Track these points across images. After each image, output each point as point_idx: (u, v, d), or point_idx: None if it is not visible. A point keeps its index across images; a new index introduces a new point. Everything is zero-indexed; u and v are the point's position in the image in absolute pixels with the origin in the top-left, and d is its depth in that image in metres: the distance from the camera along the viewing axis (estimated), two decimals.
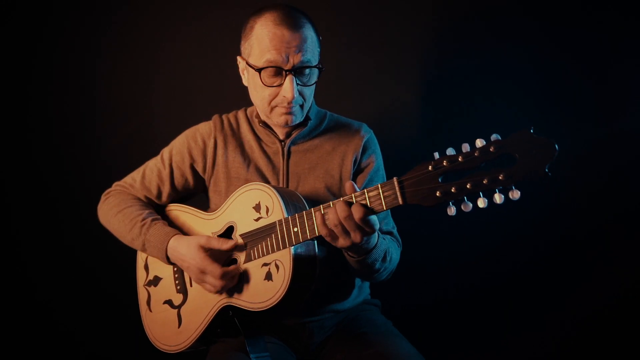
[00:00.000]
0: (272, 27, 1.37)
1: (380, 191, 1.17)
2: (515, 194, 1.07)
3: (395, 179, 1.16)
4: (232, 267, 1.40)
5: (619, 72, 1.94)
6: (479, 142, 1.11)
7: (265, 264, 1.35)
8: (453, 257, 2.05)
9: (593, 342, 1.97)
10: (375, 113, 2.04)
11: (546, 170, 1.04)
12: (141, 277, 1.64)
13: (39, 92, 2.19)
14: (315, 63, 1.42)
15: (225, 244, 1.40)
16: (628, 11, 1.91)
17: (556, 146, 1.05)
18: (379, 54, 2.06)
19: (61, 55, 2.17)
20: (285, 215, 1.33)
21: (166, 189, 1.60)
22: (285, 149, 1.53)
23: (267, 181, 1.52)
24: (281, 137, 1.53)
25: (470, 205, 1.11)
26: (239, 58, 1.50)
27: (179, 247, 1.45)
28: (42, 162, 2.20)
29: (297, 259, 1.31)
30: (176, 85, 2.16)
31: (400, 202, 1.15)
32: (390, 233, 1.56)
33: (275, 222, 1.34)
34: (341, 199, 1.22)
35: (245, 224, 1.41)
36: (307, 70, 1.41)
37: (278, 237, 1.33)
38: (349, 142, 1.54)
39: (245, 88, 1.53)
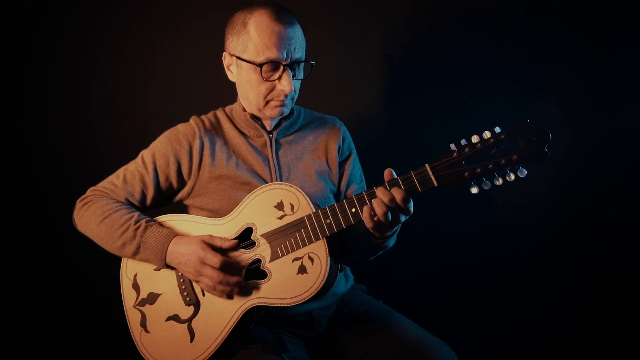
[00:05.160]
0: (270, 23, 1.43)
1: (414, 177, 1.34)
2: (522, 173, 1.34)
3: (427, 165, 1.34)
4: (232, 254, 1.43)
5: (619, 71, 1.95)
6: (488, 133, 1.36)
7: (296, 259, 1.39)
8: (453, 257, 2.10)
9: (594, 342, 2.00)
10: (343, 111, 2.02)
11: (545, 150, 1.34)
12: (130, 298, 1.52)
13: (36, 92, 2.16)
14: (304, 58, 1.52)
15: (227, 242, 1.43)
16: (628, 9, 1.91)
17: (549, 133, 1.36)
18: (349, 52, 2.10)
19: (58, 56, 2.14)
20: (314, 210, 1.40)
21: (150, 194, 1.58)
22: (273, 140, 1.60)
23: (257, 175, 1.56)
24: (268, 129, 1.60)
25: (489, 184, 1.35)
26: (225, 54, 1.55)
27: (179, 247, 1.44)
28: (39, 162, 2.17)
29: (331, 248, 1.39)
30: (172, 85, 2.15)
31: (435, 184, 1.33)
32: None
33: (303, 217, 1.40)
34: (380, 186, 1.34)
35: (267, 223, 1.43)
36: (299, 65, 1.51)
37: (309, 231, 1.39)
38: (329, 133, 1.66)
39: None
